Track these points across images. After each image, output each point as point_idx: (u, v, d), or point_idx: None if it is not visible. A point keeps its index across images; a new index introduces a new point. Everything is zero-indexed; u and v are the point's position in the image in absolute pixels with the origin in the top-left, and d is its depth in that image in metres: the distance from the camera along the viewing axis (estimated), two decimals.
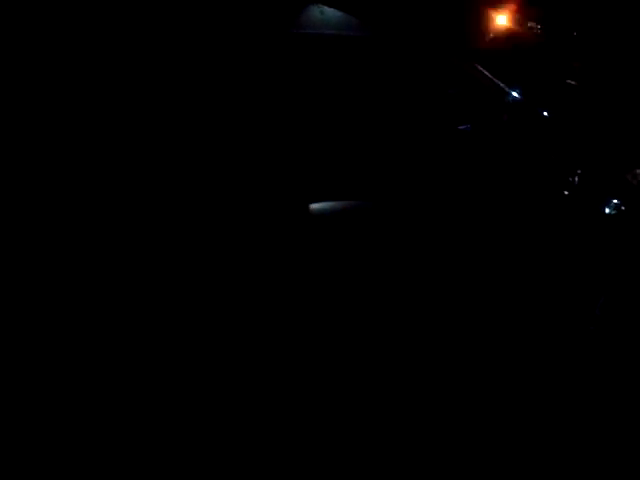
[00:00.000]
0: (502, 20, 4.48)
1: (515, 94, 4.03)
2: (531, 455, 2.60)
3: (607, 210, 3.70)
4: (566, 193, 3.76)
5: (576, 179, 3.77)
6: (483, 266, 3.58)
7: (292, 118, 3.70)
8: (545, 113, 4.04)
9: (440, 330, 3.18)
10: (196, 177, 3.34)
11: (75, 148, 3.09)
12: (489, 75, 4.03)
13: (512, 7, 4.49)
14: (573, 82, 4.14)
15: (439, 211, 3.81)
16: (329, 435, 2.51)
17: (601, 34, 4.25)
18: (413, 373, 2.89)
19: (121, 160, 3.16)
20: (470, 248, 3.64)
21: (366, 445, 2.48)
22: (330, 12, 4.07)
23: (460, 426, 2.66)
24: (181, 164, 3.30)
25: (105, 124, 3.14)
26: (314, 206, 3.67)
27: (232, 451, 2.40)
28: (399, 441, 2.54)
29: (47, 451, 2.33)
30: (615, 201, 3.67)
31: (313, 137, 3.79)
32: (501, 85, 4.00)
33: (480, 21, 4.35)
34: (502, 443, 2.61)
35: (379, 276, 3.41)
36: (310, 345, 2.97)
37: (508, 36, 4.37)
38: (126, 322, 2.89)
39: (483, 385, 2.89)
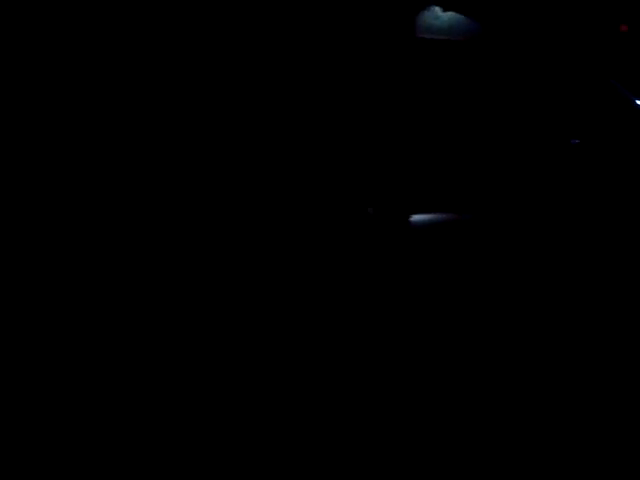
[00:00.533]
0: (624, 27, 4.31)
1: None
2: None
3: None
4: None
5: None
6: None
7: (402, 126, 3.65)
8: None
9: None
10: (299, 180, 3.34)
11: (76, 149, 3.09)
12: (624, 91, 3.85)
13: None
14: None
15: (543, 223, 3.68)
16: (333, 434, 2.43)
17: None
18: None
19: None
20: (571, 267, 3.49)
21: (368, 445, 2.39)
22: (446, 17, 3.99)
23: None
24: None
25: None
26: (415, 217, 3.63)
27: (232, 451, 2.35)
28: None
29: (47, 451, 2.32)
30: None
31: (421, 144, 3.73)
32: (628, 93, 3.83)
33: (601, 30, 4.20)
34: None
35: (476, 286, 3.33)
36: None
37: (632, 44, 4.20)
38: (128, 321, 2.88)
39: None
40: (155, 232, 3.13)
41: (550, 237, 3.69)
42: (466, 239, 3.64)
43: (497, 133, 3.91)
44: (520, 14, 4.14)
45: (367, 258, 3.33)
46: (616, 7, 4.43)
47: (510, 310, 3.23)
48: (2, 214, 2.94)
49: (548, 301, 3.30)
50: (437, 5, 3.90)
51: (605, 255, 3.52)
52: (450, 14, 3.94)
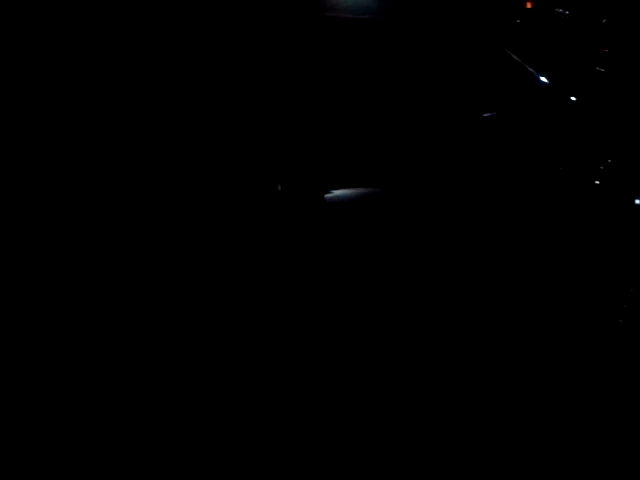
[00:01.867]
0: (529, 4, 4.37)
1: (544, 79, 3.92)
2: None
3: (638, 201, 3.59)
4: (597, 183, 3.64)
5: (607, 168, 3.65)
6: (501, 258, 3.47)
7: (309, 104, 3.62)
8: (573, 99, 3.92)
9: (448, 325, 3.10)
10: (210, 158, 3.27)
11: (74, 148, 3.04)
12: (518, 59, 3.92)
13: None
14: (602, 69, 4.02)
15: (457, 199, 3.71)
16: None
17: (631, 20, 4.14)
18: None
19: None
20: (490, 239, 3.54)
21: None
22: None
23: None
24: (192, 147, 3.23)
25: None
26: (329, 195, 3.61)
27: (232, 451, 2.36)
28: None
29: (47, 451, 2.29)
30: None
31: (330, 123, 3.70)
32: (530, 70, 3.89)
33: (506, 4, 4.25)
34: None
35: (390, 266, 3.34)
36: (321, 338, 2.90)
37: (535, 20, 4.26)
38: (126, 321, 2.83)
39: (501, 387, 2.80)
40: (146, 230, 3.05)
41: (464, 210, 3.72)
42: (383, 215, 3.63)
43: (410, 109, 3.92)
44: None
45: (275, 240, 3.29)
46: None
47: (430, 287, 3.26)
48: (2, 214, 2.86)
49: (463, 278, 3.35)
50: None
51: (517, 227, 3.59)
52: None
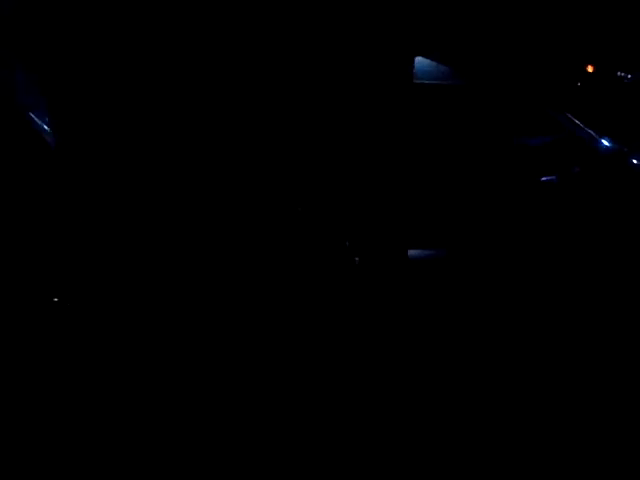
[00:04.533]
0: (590, 67, 4.45)
1: (606, 142, 3.97)
2: None
3: None
4: None
5: None
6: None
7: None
8: (635, 161, 3.96)
9: None
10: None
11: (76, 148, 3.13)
12: (579, 123, 3.98)
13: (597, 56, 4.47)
14: None
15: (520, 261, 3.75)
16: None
17: None
18: None
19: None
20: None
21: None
22: (418, 61, 4.11)
23: None
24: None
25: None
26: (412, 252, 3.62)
27: (232, 451, 2.38)
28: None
29: (47, 451, 2.32)
30: None
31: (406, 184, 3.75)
32: (592, 133, 3.95)
33: (570, 69, 4.34)
34: None
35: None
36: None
37: (597, 84, 4.33)
38: (127, 321, 2.89)
39: None
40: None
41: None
42: (447, 274, 3.70)
43: (467, 172, 3.99)
44: (491, 55, 4.29)
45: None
46: (583, 48, 4.59)
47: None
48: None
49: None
50: None
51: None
52: (419, 59, 4.08)
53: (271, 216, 3.25)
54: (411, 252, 3.66)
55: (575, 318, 3.35)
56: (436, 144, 3.96)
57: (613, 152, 3.97)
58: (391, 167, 3.41)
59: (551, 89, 4.15)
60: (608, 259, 3.69)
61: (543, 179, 3.96)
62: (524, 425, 2.57)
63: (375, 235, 3.43)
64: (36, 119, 3.27)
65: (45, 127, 3.25)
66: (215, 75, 3.18)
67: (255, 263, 3.14)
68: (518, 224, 3.83)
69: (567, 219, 3.83)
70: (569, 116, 3.98)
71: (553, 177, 3.95)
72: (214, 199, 3.16)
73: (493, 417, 2.64)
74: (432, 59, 4.09)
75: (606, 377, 2.89)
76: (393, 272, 3.40)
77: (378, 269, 3.40)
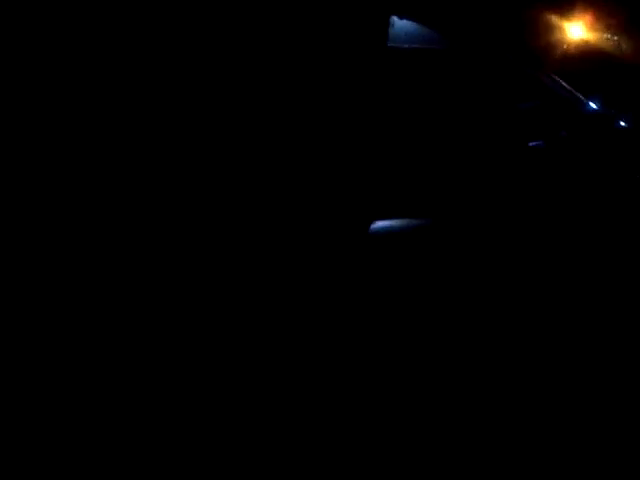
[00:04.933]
0: (576, 31, 4.39)
1: (593, 105, 3.92)
2: None
3: None
4: None
5: None
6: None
7: (364, 131, 3.61)
8: (623, 124, 3.92)
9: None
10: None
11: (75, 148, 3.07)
12: (566, 85, 3.92)
13: (587, 18, 4.40)
14: None
15: (504, 231, 3.71)
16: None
17: None
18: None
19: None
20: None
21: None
22: (400, 24, 4.03)
23: None
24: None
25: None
26: (376, 224, 3.59)
27: (232, 451, 2.37)
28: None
29: (47, 451, 2.30)
30: None
31: (380, 152, 3.72)
32: (579, 96, 3.90)
33: (553, 31, 4.28)
34: None
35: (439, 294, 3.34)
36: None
37: (583, 47, 4.28)
38: (128, 322, 2.86)
39: None
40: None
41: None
42: (429, 245, 3.66)
43: (452, 137, 3.93)
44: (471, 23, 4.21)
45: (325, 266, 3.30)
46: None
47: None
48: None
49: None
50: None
51: None
52: (404, 22, 3.99)
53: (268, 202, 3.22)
54: (395, 222, 3.62)
55: (567, 289, 3.34)
56: (422, 110, 3.89)
57: (600, 115, 3.93)
58: (368, 134, 3.37)
59: (536, 50, 4.10)
60: (597, 228, 3.67)
61: (531, 144, 3.91)
62: (521, 420, 2.56)
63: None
64: None
65: None
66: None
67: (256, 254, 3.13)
68: (507, 190, 3.77)
69: (556, 184, 3.79)
70: (555, 78, 3.93)
71: (540, 142, 3.90)
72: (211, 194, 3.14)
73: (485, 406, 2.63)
74: (415, 21, 4.00)
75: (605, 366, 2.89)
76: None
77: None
